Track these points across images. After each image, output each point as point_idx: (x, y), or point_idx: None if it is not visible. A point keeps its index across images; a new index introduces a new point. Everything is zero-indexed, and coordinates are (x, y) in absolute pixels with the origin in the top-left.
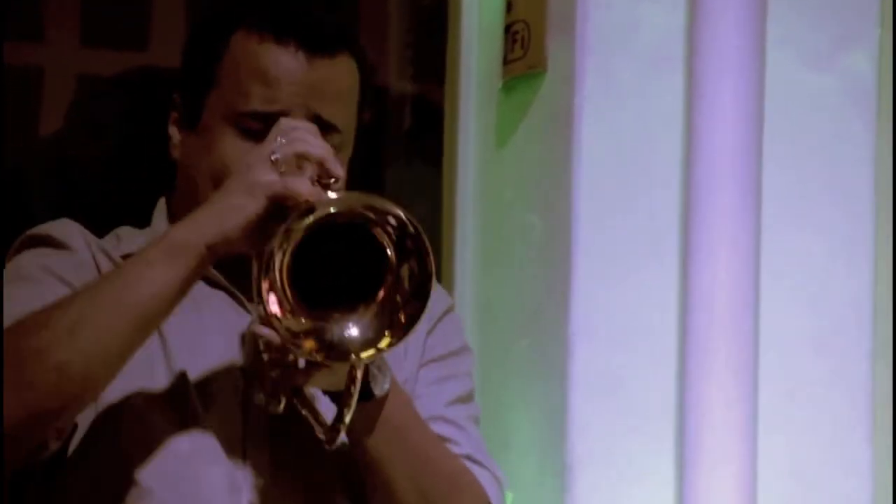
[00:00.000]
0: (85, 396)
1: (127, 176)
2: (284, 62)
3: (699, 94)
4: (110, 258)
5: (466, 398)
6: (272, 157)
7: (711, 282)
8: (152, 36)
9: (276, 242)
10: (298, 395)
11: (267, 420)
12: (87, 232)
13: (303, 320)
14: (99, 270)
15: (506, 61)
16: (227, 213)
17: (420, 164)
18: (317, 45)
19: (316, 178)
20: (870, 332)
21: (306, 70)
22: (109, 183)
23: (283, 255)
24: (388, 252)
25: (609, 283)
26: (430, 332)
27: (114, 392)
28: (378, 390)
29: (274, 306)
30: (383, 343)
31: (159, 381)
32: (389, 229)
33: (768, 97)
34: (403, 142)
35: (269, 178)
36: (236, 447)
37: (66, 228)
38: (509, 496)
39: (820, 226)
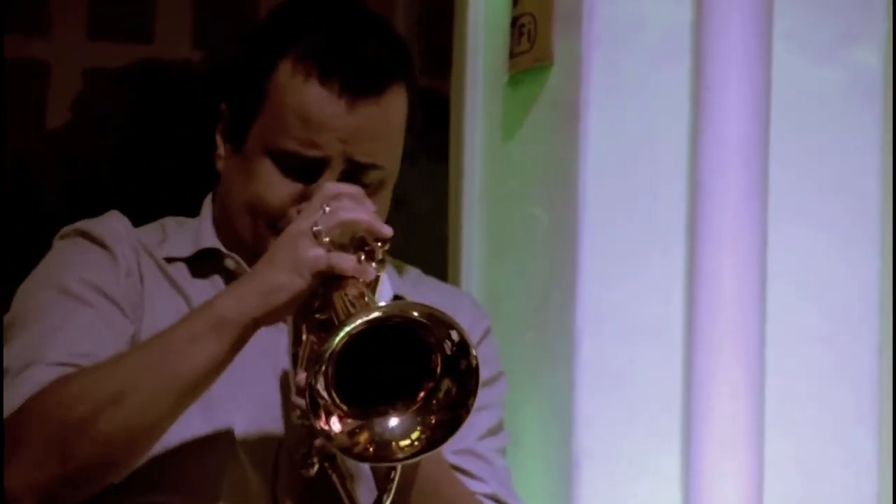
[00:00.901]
0: (126, 465)
1: (134, 168)
2: (327, 107)
3: (705, 88)
4: (154, 259)
5: (496, 429)
6: (314, 229)
7: (717, 276)
8: (158, 29)
9: (326, 347)
10: (330, 461)
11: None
12: (132, 231)
13: (349, 420)
14: (142, 280)
15: (512, 55)
16: (273, 291)
17: (426, 158)
18: (363, 87)
19: (361, 246)
20: (876, 327)
21: (349, 115)
22: (116, 175)
23: (333, 362)
24: (435, 359)
25: (615, 277)
26: None
27: None
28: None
29: (336, 425)
30: (416, 436)
31: (196, 411)
32: (447, 343)
33: (775, 92)
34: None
35: (313, 254)
36: (268, 485)
37: (113, 232)
38: None
39: (826, 220)
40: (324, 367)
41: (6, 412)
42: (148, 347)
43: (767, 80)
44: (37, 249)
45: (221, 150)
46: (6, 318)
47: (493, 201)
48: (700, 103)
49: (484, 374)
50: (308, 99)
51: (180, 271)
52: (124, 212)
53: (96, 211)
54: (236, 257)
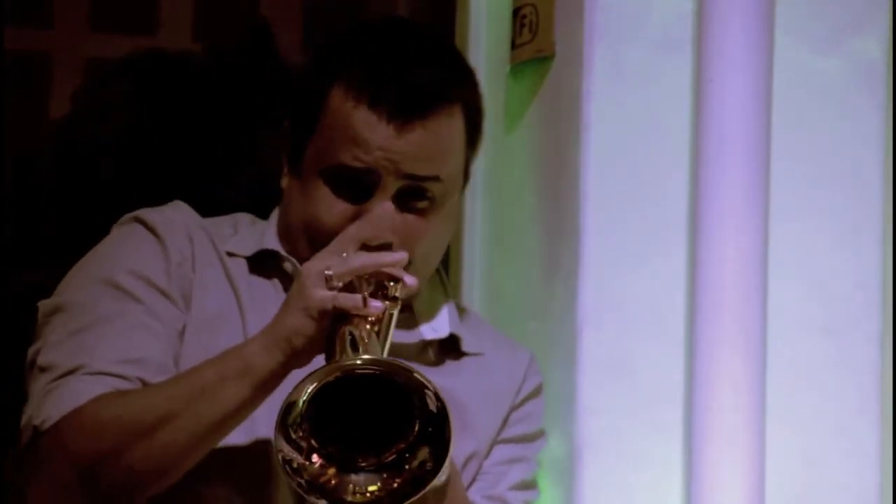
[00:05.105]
0: (152, 491)
1: (135, 159)
2: (375, 127)
3: (707, 78)
4: (216, 249)
5: (529, 484)
6: (326, 273)
7: (720, 266)
8: (160, 20)
9: (294, 399)
10: None
11: None
12: (193, 219)
13: (324, 461)
14: (194, 268)
15: (514, 45)
16: (291, 336)
17: None
18: (411, 109)
19: (379, 286)
20: (878, 318)
21: (398, 136)
22: (117, 166)
23: (308, 411)
24: (414, 423)
25: (617, 268)
26: (517, 407)
27: None
28: (434, 482)
29: (314, 459)
30: (372, 489)
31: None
32: (432, 407)
33: (777, 82)
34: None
35: (320, 296)
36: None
37: (167, 220)
38: None
39: (828, 211)
40: (299, 419)
41: (44, 422)
42: (179, 384)
43: (769, 71)
44: (37, 240)
45: (286, 171)
46: (51, 302)
47: (495, 192)
48: (702, 94)
49: (527, 429)
50: (357, 123)
51: (240, 266)
52: (126, 203)
53: (98, 202)
54: (294, 261)
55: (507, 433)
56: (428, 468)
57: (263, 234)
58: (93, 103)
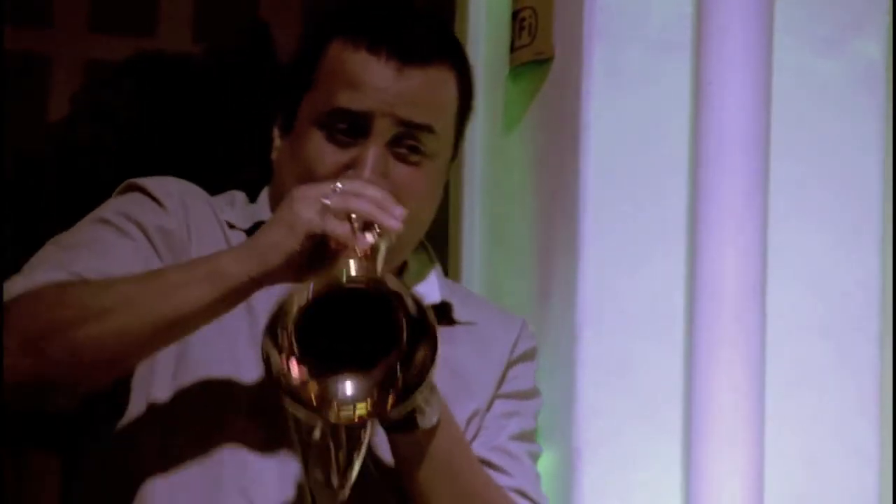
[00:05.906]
0: (90, 380)
1: (134, 159)
2: (374, 68)
3: (707, 80)
4: (217, 218)
5: (528, 436)
6: (324, 201)
7: (719, 267)
8: (159, 21)
9: (296, 298)
10: (333, 432)
11: None
12: (190, 189)
13: (307, 376)
14: (190, 234)
15: (513, 48)
16: (268, 249)
17: None
18: (409, 54)
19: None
20: (877, 319)
21: (396, 77)
22: (116, 167)
23: (300, 312)
24: (402, 332)
25: (617, 269)
26: (513, 364)
27: (195, 365)
28: (425, 423)
29: (294, 369)
30: (361, 408)
31: (244, 358)
32: (413, 312)
33: (776, 84)
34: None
35: (308, 216)
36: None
37: (163, 186)
38: None
39: (827, 212)
40: (293, 320)
41: (6, 298)
42: (145, 279)
43: (769, 73)
44: (36, 239)
45: (276, 142)
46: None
47: (494, 192)
48: (701, 96)
49: (524, 387)
50: (356, 67)
51: (238, 238)
52: None
53: (97, 202)
54: None
55: (504, 389)
56: (427, 363)
57: (257, 209)
58: (93, 104)
